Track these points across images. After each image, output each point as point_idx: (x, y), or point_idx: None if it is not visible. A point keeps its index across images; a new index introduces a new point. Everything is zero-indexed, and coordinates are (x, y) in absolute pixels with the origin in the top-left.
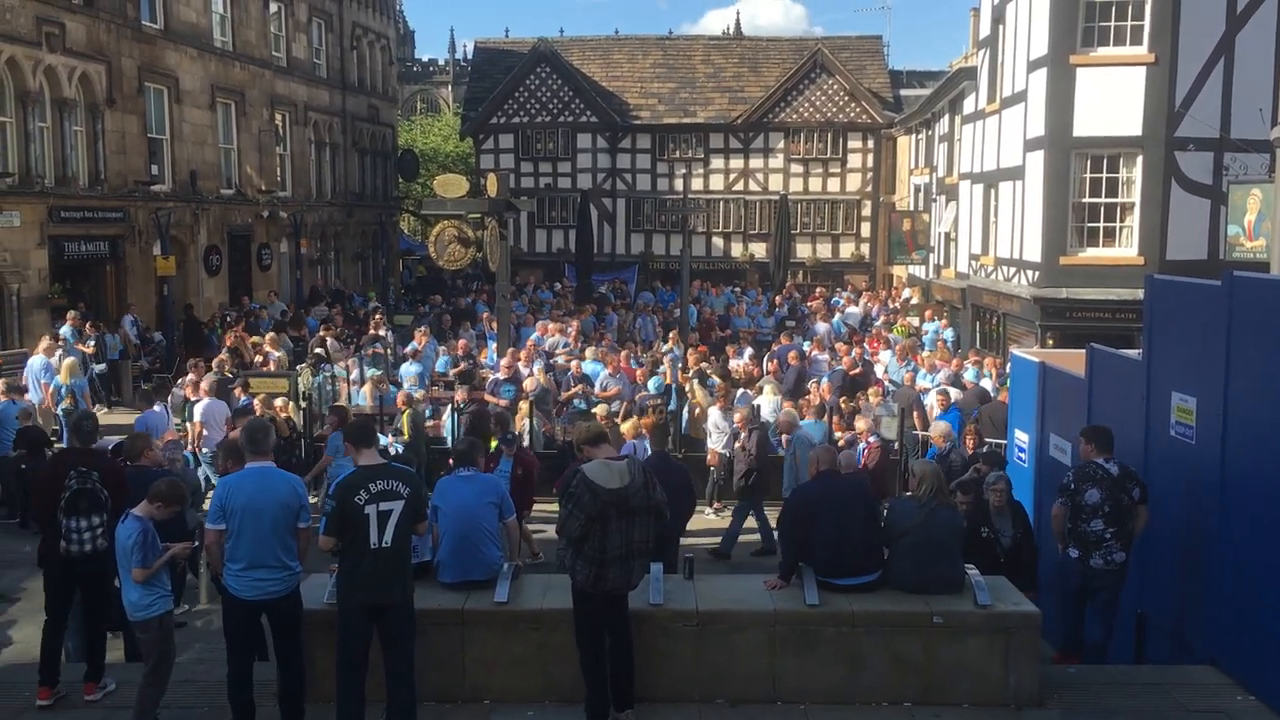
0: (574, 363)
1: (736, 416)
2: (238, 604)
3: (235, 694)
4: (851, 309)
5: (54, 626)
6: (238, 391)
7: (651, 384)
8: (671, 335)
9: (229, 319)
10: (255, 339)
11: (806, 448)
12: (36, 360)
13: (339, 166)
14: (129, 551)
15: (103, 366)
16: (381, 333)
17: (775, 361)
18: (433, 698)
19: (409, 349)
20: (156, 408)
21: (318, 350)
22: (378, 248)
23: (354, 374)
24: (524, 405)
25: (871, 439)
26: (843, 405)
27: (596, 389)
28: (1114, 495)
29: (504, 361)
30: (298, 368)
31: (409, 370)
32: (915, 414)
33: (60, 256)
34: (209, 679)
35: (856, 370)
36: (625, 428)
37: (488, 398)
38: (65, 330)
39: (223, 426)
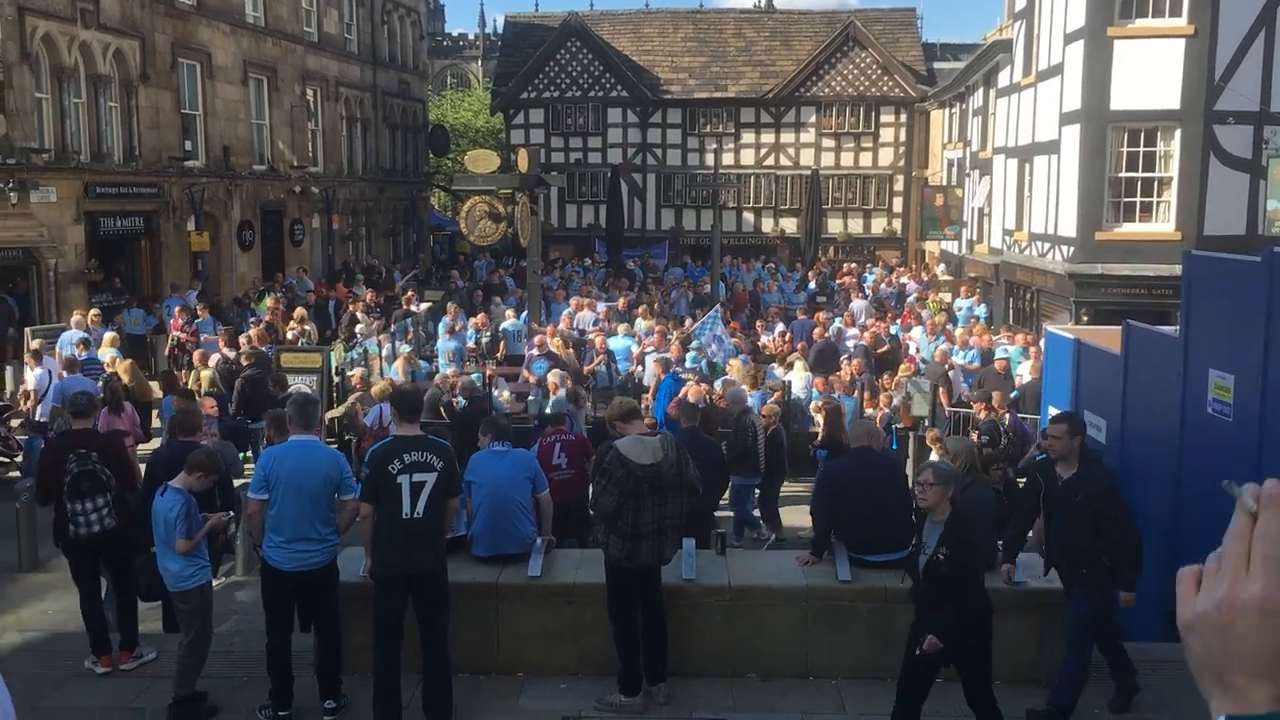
0: (599, 337)
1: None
2: (277, 575)
3: (274, 664)
4: (884, 288)
5: (87, 599)
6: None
7: (688, 359)
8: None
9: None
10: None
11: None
12: (74, 333)
13: (370, 142)
14: (172, 524)
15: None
16: (414, 309)
17: (803, 340)
18: (467, 669)
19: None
20: (39, 369)
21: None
22: (409, 223)
23: (385, 349)
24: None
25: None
26: (885, 382)
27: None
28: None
29: (538, 338)
30: (332, 343)
31: (446, 345)
32: (943, 390)
33: (96, 232)
34: (247, 650)
35: (884, 348)
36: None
37: (525, 373)
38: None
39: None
